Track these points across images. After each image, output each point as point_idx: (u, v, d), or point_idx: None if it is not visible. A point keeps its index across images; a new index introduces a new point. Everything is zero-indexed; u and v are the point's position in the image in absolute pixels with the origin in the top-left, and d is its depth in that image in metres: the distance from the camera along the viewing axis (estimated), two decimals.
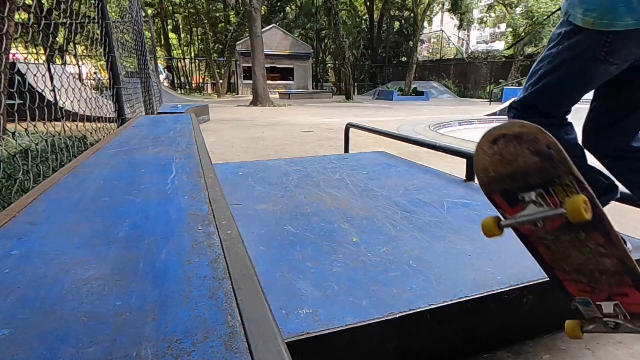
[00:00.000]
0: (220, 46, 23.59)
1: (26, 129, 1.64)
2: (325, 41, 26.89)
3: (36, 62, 6.25)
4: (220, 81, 21.79)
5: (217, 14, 23.93)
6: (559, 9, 1.28)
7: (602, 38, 1.03)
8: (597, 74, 1.11)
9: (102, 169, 1.20)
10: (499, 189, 0.87)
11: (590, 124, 1.26)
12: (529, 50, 19.77)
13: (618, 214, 2.09)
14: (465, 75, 22.26)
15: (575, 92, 1.16)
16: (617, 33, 1.00)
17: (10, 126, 3.05)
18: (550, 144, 0.77)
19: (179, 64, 26.77)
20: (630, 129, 1.20)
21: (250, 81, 15.09)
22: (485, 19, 25.26)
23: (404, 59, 26.75)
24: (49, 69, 4.24)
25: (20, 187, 1.78)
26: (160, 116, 3.35)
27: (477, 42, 38.05)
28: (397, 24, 26.71)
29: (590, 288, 0.88)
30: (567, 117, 1.21)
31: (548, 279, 1.07)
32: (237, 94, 22.54)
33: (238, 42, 21.41)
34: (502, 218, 0.88)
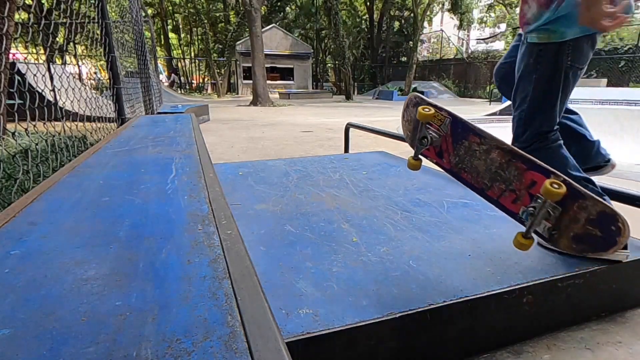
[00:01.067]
0: (220, 46, 23.61)
1: (26, 129, 1.65)
2: (325, 41, 26.90)
3: (36, 62, 6.26)
4: (220, 81, 21.79)
5: (217, 14, 23.96)
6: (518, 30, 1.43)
7: (564, 48, 1.23)
8: (571, 82, 1.29)
9: (102, 169, 1.20)
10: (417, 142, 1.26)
11: None
12: None
13: None
14: (465, 75, 22.24)
15: (561, 105, 1.32)
16: (574, 40, 1.21)
17: (10, 126, 3.05)
18: (415, 97, 1.27)
19: (179, 64, 26.77)
20: None
21: (250, 81, 15.09)
22: (485, 19, 25.27)
23: (404, 59, 26.74)
24: (49, 69, 4.24)
25: (20, 187, 1.78)
26: (160, 116, 3.35)
27: (477, 42, 38.06)
28: (397, 24, 26.71)
29: (514, 194, 1.07)
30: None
31: (548, 278, 1.08)
32: (237, 94, 22.55)
33: (238, 42, 21.42)
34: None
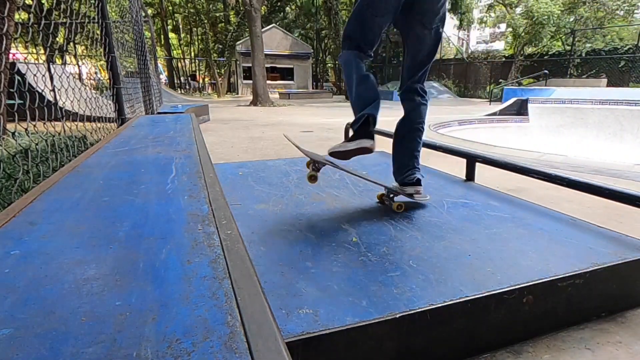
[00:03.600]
0: (220, 46, 23.59)
1: (26, 129, 1.64)
2: (325, 41, 26.86)
3: (36, 62, 6.26)
4: (220, 81, 21.79)
5: (217, 14, 23.93)
6: None
7: None
8: (368, 22, 1.45)
9: (102, 169, 1.20)
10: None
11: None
12: (529, 50, 19.75)
13: (618, 214, 2.10)
14: (465, 75, 22.22)
15: (368, 33, 1.48)
16: None
17: (10, 126, 3.05)
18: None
19: (179, 64, 26.78)
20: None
21: (250, 81, 15.09)
22: (485, 19, 25.19)
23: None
24: (49, 69, 4.24)
25: (20, 187, 1.78)
26: (160, 116, 3.35)
27: (477, 42, 38.04)
28: None
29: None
30: (369, 52, 1.55)
31: (548, 278, 1.08)
32: (237, 94, 22.55)
33: (238, 42, 21.42)
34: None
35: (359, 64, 1.50)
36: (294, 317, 0.89)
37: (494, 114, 8.62)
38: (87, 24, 2.72)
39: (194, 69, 27.04)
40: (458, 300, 0.97)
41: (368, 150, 1.44)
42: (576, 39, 17.44)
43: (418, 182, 1.66)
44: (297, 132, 6.39)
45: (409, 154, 1.68)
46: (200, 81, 26.36)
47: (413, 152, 1.68)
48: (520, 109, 8.27)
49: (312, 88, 24.10)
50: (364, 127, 1.44)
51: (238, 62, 22.22)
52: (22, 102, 1.76)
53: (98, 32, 2.75)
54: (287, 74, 23.74)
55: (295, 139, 1.91)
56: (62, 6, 2.24)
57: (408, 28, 1.54)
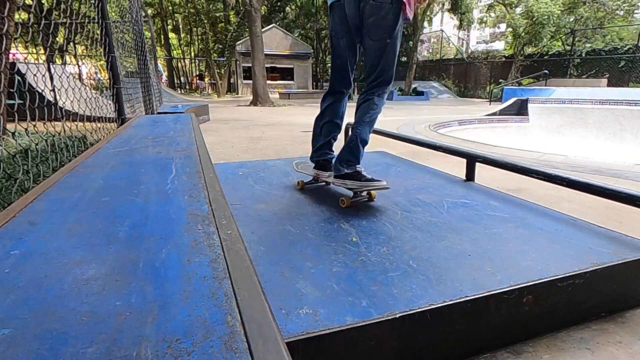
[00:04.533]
0: (220, 46, 23.60)
1: (26, 129, 1.64)
2: (325, 41, 26.88)
3: (36, 62, 6.26)
4: (220, 81, 21.79)
5: (217, 14, 23.96)
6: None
7: (329, 12, 1.63)
8: (334, 45, 1.67)
9: (102, 169, 1.20)
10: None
11: None
12: (529, 50, 19.75)
13: (618, 214, 2.10)
14: (465, 75, 22.23)
15: (337, 66, 1.73)
16: (330, 7, 1.59)
17: (10, 126, 3.05)
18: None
19: (179, 64, 26.78)
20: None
21: (250, 81, 15.08)
22: (485, 19, 25.17)
23: (404, 59, 26.70)
24: (49, 69, 4.24)
25: (20, 187, 1.78)
26: (160, 116, 3.35)
27: (477, 42, 38.05)
28: None
29: None
30: (343, 91, 1.83)
31: (548, 278, 1.07)
32: (237, 94, 22.55)
33: (238, 42, 21.43)
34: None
35: (325, 112, 1.84)
36: (294, 317, 0.89)
37: (494, 114, 8.61)
38: (87, 24, 2.72)
39: (195, 69, 27.07)
40: (458, 300, 0.97)
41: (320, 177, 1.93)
42: (576, 39, 17.44)
43: (346, 176, 1.70)
44: (297, 132, 6.39)
45: (345, 147, 1.77)
46: (188, 79, 26.46)
47: (346, 145, 1.76)
48: (520, 109, 8.26)
49: (312, 88, 24.10)
50: (322, 163, 1.91)
51: (238, 62, 22.22)
52: (22, 102, 1.76)
53: (98, 32, 2.75)
54: (287, 74, 23.74)
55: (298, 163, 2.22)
56: (62, 6, 2.24)
57: (363, 43, 1.66)
